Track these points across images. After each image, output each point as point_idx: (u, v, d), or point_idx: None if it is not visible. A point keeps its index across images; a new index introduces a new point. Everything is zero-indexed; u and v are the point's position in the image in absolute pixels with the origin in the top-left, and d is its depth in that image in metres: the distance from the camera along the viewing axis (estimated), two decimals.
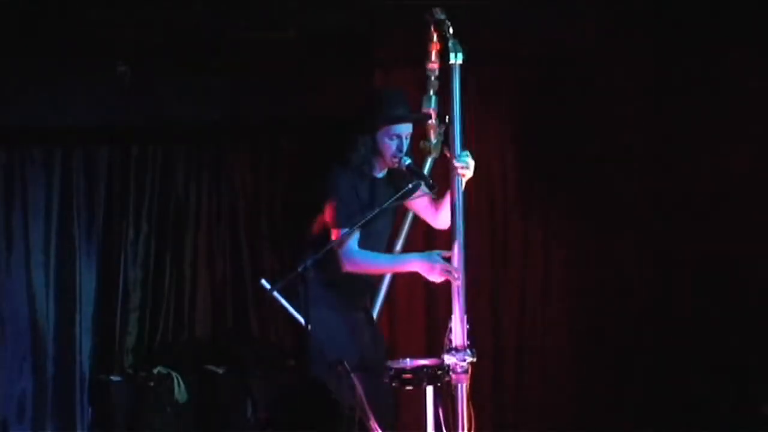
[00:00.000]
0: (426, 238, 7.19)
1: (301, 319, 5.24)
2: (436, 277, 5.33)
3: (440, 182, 5.48)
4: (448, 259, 5.32)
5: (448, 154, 5.32)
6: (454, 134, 5.29)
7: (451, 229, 5.34)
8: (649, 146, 7.37)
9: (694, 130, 7.25)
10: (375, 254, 5.47)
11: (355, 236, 5.38)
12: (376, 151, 5.46)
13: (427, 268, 5.33)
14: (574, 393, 7.45)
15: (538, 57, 7.28)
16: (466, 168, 5.28)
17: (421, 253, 5.44)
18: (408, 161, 5.45)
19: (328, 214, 5.42)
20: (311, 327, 5.20)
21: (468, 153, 5.30)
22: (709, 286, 7.23)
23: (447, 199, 5.39)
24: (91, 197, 7.52)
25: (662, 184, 7.35)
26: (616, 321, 7.39)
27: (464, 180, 5.31)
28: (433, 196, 5.57)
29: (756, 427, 6.83)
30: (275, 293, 5.20)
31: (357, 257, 5.39)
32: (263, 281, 5.22)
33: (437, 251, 5.37)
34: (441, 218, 5.52)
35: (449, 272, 5.26)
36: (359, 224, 5.32)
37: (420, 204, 5.62)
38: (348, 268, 5.39)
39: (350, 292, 5.54)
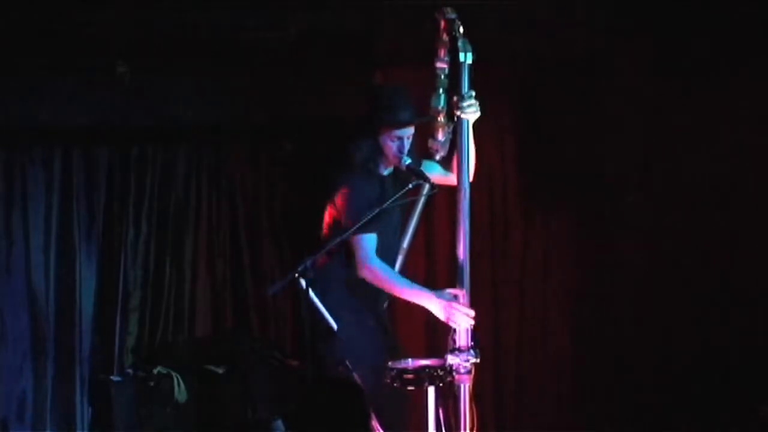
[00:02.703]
0: (426, 237, 7.21)
1: (333, 323, 5.25)
2: (449, 319, 5.33)
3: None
4: (456, 296, 5.34)
5: (457, 103, 5.33)
6: (463, 84, 5.29)
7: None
8: (651, 146, 7.37)
9: (696, 131, 7.26)
10: (393, 272, 5.47)
11: (374, 242, 5.37)
12: (378, 150, 5.47)
13: (443, 308, 5.33)
14: (574, 393, 7.46)
15: (539, 57, 7.28)
16: (471, 105, 5.29)
17: (436, 292, 5.41)
18: (408, 161, 5.45)
19: (340, 214, 5.42)
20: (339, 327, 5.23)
21: (472, 93, 5.32)
22: (709, 287, 7.23)
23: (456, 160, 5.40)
24: (91, 197, 7.51)
25: (663, 185, 7.35)
26: (616, 321, 7.40)
27: (471, 121, 5.33)
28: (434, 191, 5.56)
29: (755, 427, 6.84)
30: (309, 291, 5.17)
31: (377, 268, 5.38)
32: (301, 279, 5.15)
33: (447, 290, 5.38)
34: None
35: (462, 314, 5.28)
36: (369, 229, 5.32)
37: (435, 177, 5.59)
38: (366, 275, 5.38)
39: (370, 294, 5.54)
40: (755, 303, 7.14)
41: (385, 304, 5.81)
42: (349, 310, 5.47)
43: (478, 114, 5.39)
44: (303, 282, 5.14)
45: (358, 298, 5.52)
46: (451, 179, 5.52)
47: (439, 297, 5.38)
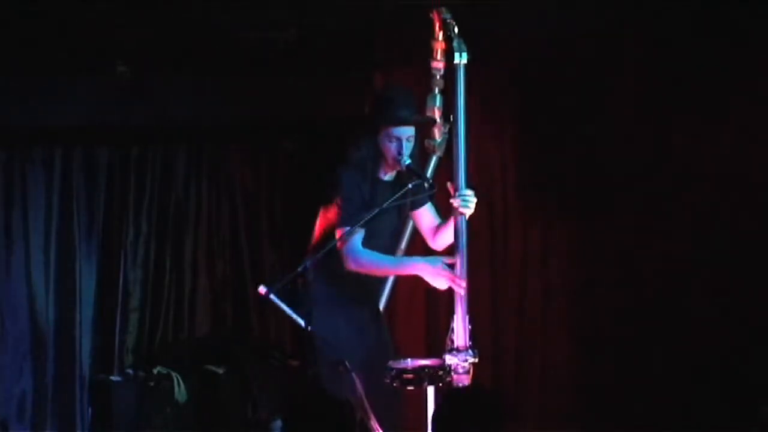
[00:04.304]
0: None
1: (301, 321, 5.24)
2: (440, 283, 5.36)
3: (442, 183, 5.50)
4: (451, 266, 5.35)
5: (451, 189, 5.36)
6: (459, 168, 5.32)
7: (454, 237, 5.38)
8: (652, 147, 7.36)
9: (698, 133, 7.25)
10: (379, 255, 5.47)
11: (360, 235, 5.39)
12: (378, 152, 5.47)
13: (432, 273, 5.36)
14: (573, 393, 7.45)
15: (539, 57, 7.27)
16: (466, 207, 5.33)
17: (425, 258, 5.47)
18: (408, 161, 5.45)
19: (333, 212, 5.43)
20: (316, 325, 5.22)
21: (470, 192, 5.34)
22: (709, 288, 7.22)
23: (449, 225, 5.44)
24: (91, 197, 7.52)
25: (664, 186, 7.34)
26: (616, 321, 7.39)
27: (467, 215, 5.37)
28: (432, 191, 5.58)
29: (756, 427, 6.83)
30: (273, 297, 5.18)
31: (361, 256, 5.39)
32: (261, 287, 5.20)
33: (441, 257, 5.40)
34: (439, 241, 5.57)
35: (453, 281, 5.30)
36: (361, 223, 5.33)
37: (423, 221, 5.64)
38: (352, 266, 5.40)
39: (356, 290, 5.54)
40: (756, 303, 7.14)
41: (382, 302, 5.83)
42: (339, 306, 5.46)
43: (472, 210, 5.39)
44: (263, 288, 5.15)
45: (349, 294, 5.52)
46: (436, 237, 5.59)
47: (427, 263, 5.41)
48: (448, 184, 5.39)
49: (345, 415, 3.99)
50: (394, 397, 5.52)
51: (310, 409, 4.01)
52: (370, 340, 5.59)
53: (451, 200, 5.37)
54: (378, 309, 5.87)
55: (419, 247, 6.90)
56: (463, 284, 5.33)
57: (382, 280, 6.56)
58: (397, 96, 5.52)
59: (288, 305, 5.22)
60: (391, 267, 5.70)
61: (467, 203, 5.36)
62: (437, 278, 5.37)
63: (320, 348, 5.34)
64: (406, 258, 5.91)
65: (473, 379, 5.39)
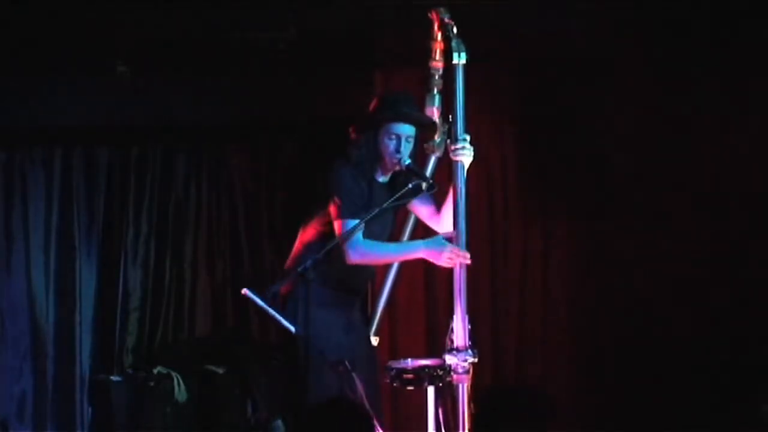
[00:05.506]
0: (424, 236, 7.20)
1: (290, 327, 5.24)
2: (444, 262, 5.34)
3: (442, 184, 5.50)
4: (451, 240, 5.34)
5: (451, 147, 5.35)
6: (456, 127, 5.32)
7: (453, 216, 5.37)
8: (652, 147, 7.36)
9: (697, 132, 7.25)
10: (381, 243, 5.45)
11: (361, 228, 5.37)
12: (376, 151, 5.46)
13: (435, 253, 5.34)
14: (573, 393, 7.45)
15: (539, 57, 7.27)
16: (464, 148, 5.31)
17: (426, 240, 5.45)
18: (408, 161, 5.44)
19: (332, 208, 5.41)
20: (308, 325, 5.22)
21: (466, 137, 5.33)
22: (709, 287, 7.23)
23: (449, 204, 5.42)
24: (91, 197, 7.53)
25: (664, 186, 7.34)
26: (616, 321, 7.39)
27: (465, 165, 5.34)
28: (432, 191, 5.57)
29: (756, 427, 6.83)
30: (258, 300, 5.18)
31: (363, 247, 5.36)
32: (246, 291, 5.20)
33: (441, 235, 5.39)
34: (443, 221, 5.54)
35: (457, 254, 5.28)
36: (364, 218, 5.31)
37: (424, 207, 5.62)
38: (354, 259, 5.36)
39: (347, 290, 5.53)
40: (756, 302, 7.14)
41: (381, 303, 5.82)
42: (333, 306, 5.45)
43: (471, 157, 5.39)
44: (249, 292, 5.15)
45: (342, 294, 5.50)
46: (435, 222, 5.57)
47: (427, 245, 5.39)
48: (447, 141, 5.39)
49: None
50: (378, 396, 5.52)
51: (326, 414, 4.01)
52: (357, 340, 5.58)
53: (450, 152, 5.35)
54: (364, 309, 5.87)
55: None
56: (468, 256, 5.32)
57: (376, 287, 6.55)
58: (399, 96, 5.54)
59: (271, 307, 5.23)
60: (394, 254, 5.71)
61: (464, 147, 5.35)
62: (442, 256, 5.33)
63: (309, 348, 5.32)
64: (407, 242, 5.90)
65: (473, 378, 5.38)
